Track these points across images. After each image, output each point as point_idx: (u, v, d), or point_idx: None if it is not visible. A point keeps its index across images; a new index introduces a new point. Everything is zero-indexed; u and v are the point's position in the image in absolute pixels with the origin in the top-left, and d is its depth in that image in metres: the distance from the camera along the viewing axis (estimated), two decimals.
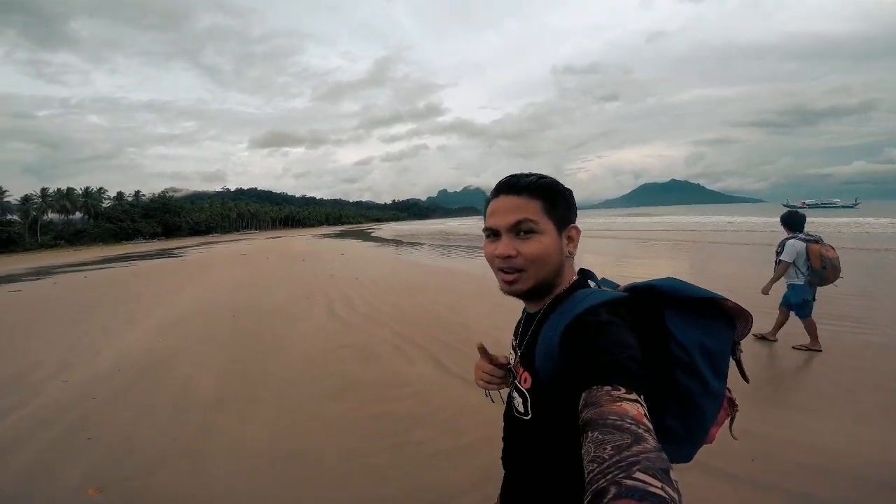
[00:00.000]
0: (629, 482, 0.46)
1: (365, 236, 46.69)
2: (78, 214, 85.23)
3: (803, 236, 4.45)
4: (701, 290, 0.81)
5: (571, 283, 0.86)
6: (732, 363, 0.86)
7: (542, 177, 0.85)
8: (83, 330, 6.95)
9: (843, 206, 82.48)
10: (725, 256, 13.31)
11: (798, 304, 4.44)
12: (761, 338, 4.63)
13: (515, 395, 0.88)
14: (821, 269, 4.29)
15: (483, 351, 1.01)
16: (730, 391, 0.88)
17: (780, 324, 4.65)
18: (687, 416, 0.79)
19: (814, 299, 4.46)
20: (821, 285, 4.45)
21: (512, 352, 0.98)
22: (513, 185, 0.83)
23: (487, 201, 0.88)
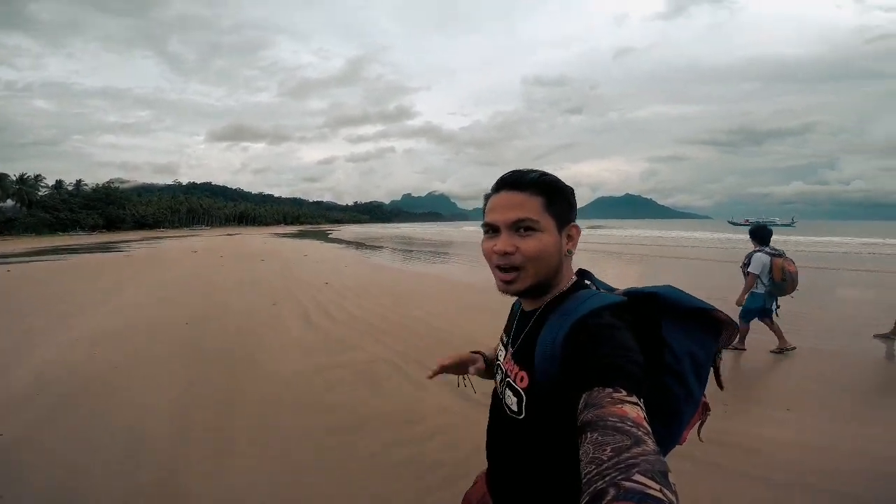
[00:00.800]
0: (628, 484, 0.46)
1: (326, 238, 44.95)
2: (9, 202, 77.36)
3: (769, 250, 4.75)
4: (697, 300, 0.83)
5: (571, 284, 0.86)
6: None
7: (544, 174, 0.83)
8: None
9: (781, 225, 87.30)
10: (693, 271, 13.34)
11: (753, 308, 4.75)
12: (733, 348, 4.79)
13: (509, 393, 0.86)
14: (781, 281, 4.62)
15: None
16: (704, 396, 0.89)
17: (744, 333, 4.88)
18: (667, 420, 0.80)
19: (777, 307, 4.79)
20: (779, 295, 4.77)
21: (502, 349, 0.96)
22: (515, 182, 0.82)
23: (487, 197, 0.86)
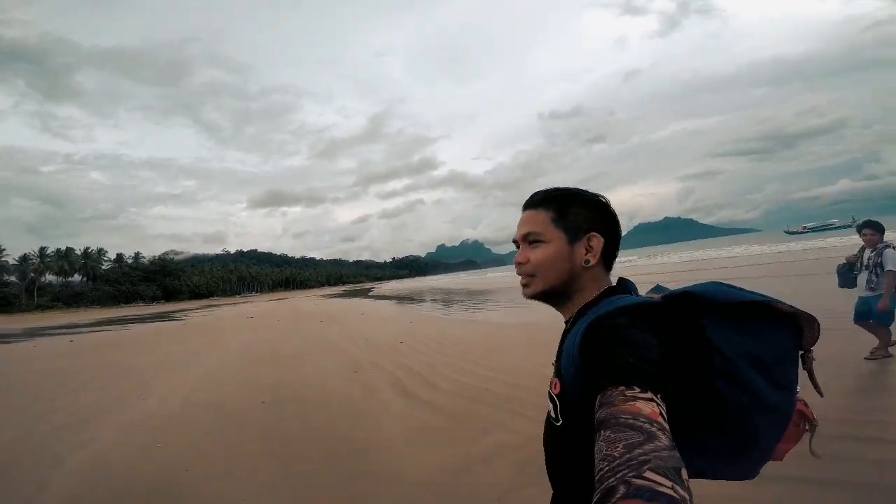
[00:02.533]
0: (639, 481, 0.46)
1: (372, 295, 44.57)
2: (77, 276, 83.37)
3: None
4: (747, 293, 0.77)
5: (602, 291, 0.86)
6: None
7: (557, 189, 0.90)
8: (37, 419, 4.84)
9: (842, 227, 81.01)
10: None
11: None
12: (881, 357, 4.37)
13: (549, 401, 0.88)
14: None
15: None
16: (804, 404, 0.83)
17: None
18: (727, 430, 0.73)
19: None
20: None
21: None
22: (530, 200, 0.91)
23: None
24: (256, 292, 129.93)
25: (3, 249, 72.90)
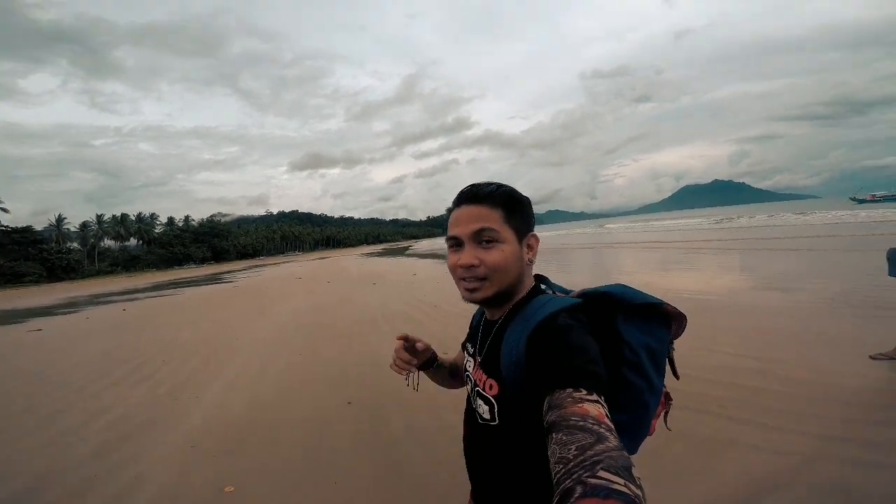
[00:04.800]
0: (594, 481, 0.48)
1: (411, 253, 43.81)
2: (132, 241, 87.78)
3: None
4: (647, 296, 0.85)
5: (530, 290, 0.88)
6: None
7: (500, 186, 0.87)
8: (70, 438, 3.88)
9: None
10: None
11: None
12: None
13: (480, 402, 0.88)
14: None
15: (406, 339, 1.11)
16: (665, 386, 0.92)
17: None
18: (633, 411, 0.82)
19: None
20: None
21: (469, 358, 0.99)
22: (474, 195, 0.85)
23: (449, 212, 0.90)
24: (299, 251, 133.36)
25: (65, 218, 76.90)
